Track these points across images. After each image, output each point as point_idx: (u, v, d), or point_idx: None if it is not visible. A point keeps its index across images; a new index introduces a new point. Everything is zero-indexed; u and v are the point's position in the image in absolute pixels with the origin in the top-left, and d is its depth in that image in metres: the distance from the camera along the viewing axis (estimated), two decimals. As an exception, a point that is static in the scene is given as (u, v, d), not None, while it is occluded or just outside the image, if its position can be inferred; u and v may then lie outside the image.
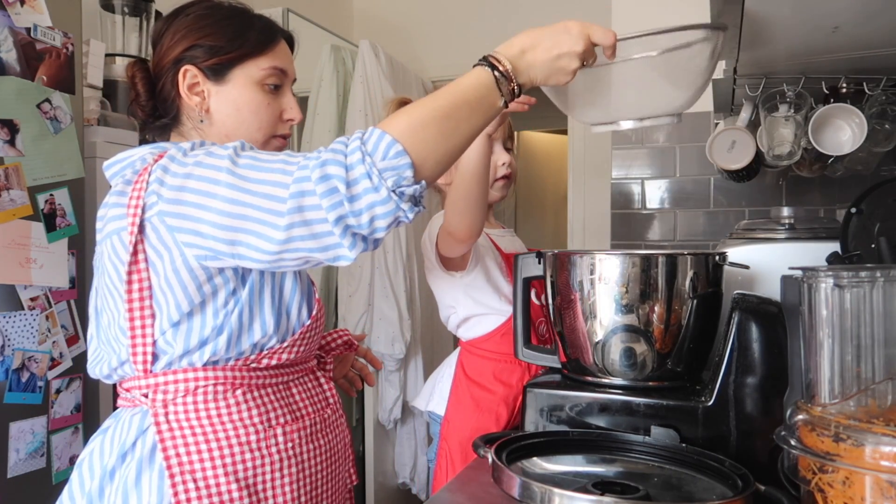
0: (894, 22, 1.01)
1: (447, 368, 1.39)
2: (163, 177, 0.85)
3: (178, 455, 0.87)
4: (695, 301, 0.95)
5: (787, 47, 1.18)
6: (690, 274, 0.96)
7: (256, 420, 0.92)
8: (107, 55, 1.94)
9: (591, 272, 0.98)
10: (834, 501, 0.62)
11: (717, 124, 1.85)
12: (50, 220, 1.40)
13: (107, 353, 0.94)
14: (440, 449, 1.32)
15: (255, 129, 0.99)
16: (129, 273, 0.87)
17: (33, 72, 1.38)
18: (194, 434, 0.89)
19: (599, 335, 0.97)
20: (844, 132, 1.36)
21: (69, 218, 1.44)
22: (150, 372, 0.90)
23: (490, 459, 0.83)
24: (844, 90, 1.35)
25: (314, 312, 0.99)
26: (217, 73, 0.98)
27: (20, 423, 1.34)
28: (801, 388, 0.76)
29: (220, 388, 0.91)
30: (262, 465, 0.90)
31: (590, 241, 3.15)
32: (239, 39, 0.99)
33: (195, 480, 0.87)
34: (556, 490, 0.72)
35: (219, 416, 0.90)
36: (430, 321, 2.80)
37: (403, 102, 1.34)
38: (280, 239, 0.79)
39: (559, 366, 1.07)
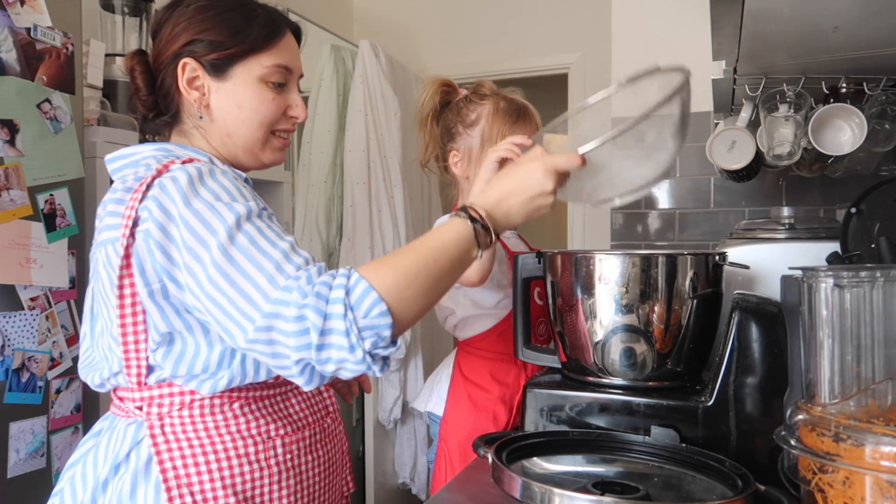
0: (894, 22, 1.01)
1: (445, 369, 1.39)
2: (159, 202, 0.81)
3: (174, 468, 0.85)
4: (695, 301, 0.95)
5: (787, 47, 1.18)
6: (690, 274, 0.96)
7: (255, 432, 0.89)
8: (107, 55, 1.94)
9: (591, 272, 0.98)
10: (834, 501, 0.62)
11: (717, 124, 1.85)
12: (50, 220, 1.40)
13: (100, 360, 0.91)
14: (439, 449, 1.32)
15: (255, 127, 0.96)
16: (121, 287, 0.84)
17: (33, 72, 1.38)
18: (191, 447, 0.86)
19: (599, 335, 0.97)
20: (844, 132, 1.36)
21: (69, 218, 1.44)
22: (145, 384, 0.87)
23: (490, 459, 0.83)
24: (844, 90, 1.35)
25: None
26: (218, 68, 0.93)
27: (20, 423, 1.34)
28: (801, 388, 0.76)
29: (216, 401, 0.88)
30: (261, 477, 0.88)
31: (590, 241, 3.14)
32: (241, 34, 0.94)
33: (192, 494, 0.85)
34: (556, 490, 0.72)
35: (216, 427, 0.88)
36: (430, 321, 2.80)
37: (445, 84, 1.35)
38: (241, 345, 0.77)
39: (559, 366, 1.07)
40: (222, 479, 0.86)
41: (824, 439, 0.63)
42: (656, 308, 0.95)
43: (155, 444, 0.85)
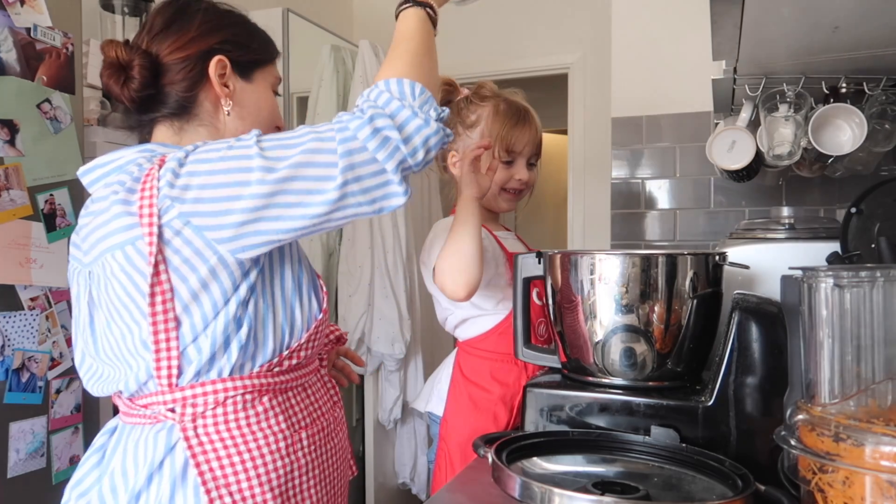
0: (894, 22, 1.01)
1: (445, 369, 1.38)
2: (176, 180, 0.83)
3: (211, 469, 0.86)
4: (695, 301, 0.95)
5: (787, 47, 1.18)
6: (690, 274, 0.96)
7: (284, 426, 0.92)
8: (107, 55, 1.94)
9: (591, 272, 0.98)
10: (834, 501, 0.62)
11: (717, 124, 1.84)
12: (50, 220, 1.40)
13: (115, 372, 0.90)
14: (439, 450, 1.32)
15: (265, 128, 1.00)
16: (153, 285, 0.83)
17: (33, 72, 1.38)
18: (226, 447, 0.87)
19: (599, 335, 0.97)
20: (844, 132, 1.36)
21: (69, 218, 1.44)
22: (176, 386, 0.87)
23: (490, 459, 0.83)
24: (844, 90, 1.35)
25: (324, 305, 0.99)
26: (245, 69, 0.99)
27: (20, 423, 1.34)
28: (801, 388, 0.76)
29: (248, 396, 0.89)
30: (292, 470, 0.91)
31: (590, 241, 3.14)
32: (263, 43, 1.04)
33: (231, 494, 0.86)
34: (556, 490, 0.72)
35: (248, 425, 0.89)
36: (430, 321, 2.80)
37: (447, 83, 1.37)
38: (333, 198, 0.82)
39: (559, 366, 1.07)
40: (258, 476, 0.88)
41: (824, 439, 0.63)
42: (656, 308, 0.95)
43: (190, 447, 0.86)
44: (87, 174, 0.93)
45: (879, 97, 1.33)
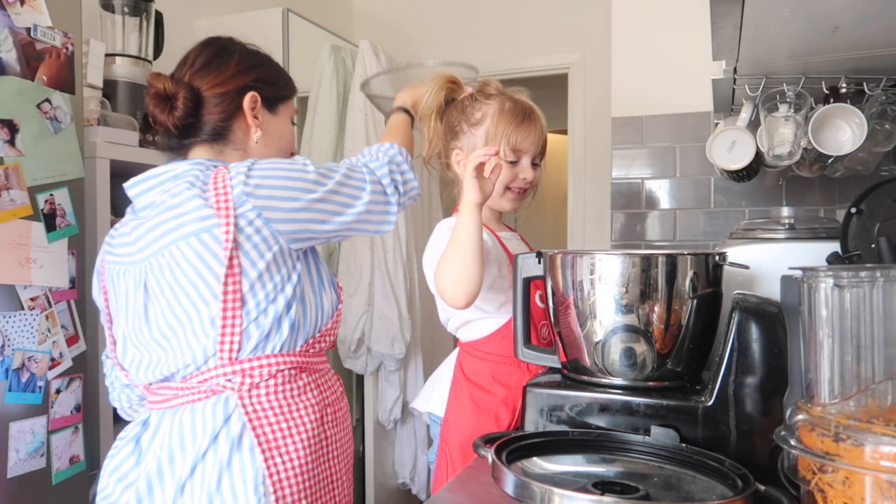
0: (894, 22, 1.01)
1: (446, 369, 1.38)
2: (249, 181, 1.02)
3: (265, 434, 1.01)
4: (695, 301, 0.95)
5: (787, 47, 1.18)
6: (690, 274, 0.96)
7: (316, 401, 1.09)
8: (107, 55, 1.94)
9: (591, 272, 0.98)
10: (834, 501, 0.62)
11: (717, 124, 1.85)
12: (50, 220, 1.40)
13: (172, 354, 1.03)
14: (440, 450, 1.31)
15: (283, 154, 1.22)
16: (230, 266, 0.99)
17: (33, 72, 1.38)
18: (275, 414, 1.03)
19: (599, 335, 0.97)
20: (844, 132, 1.36)
21: (69, 218, 1.44)
22: (236, 360, 1.02)
23: (490, 459, 0.83)
24: (844, 90, 1.35)
25: (342, 297, 1.18)
26: (271, 103, 1.20)
27: (20, 423, 1.34)
28: (801, 388, 0.76)
29: (292, 371, 1.07)
30: (323, 439, 1.08)
31: (590, 241, 3.15)
32: (287, 81, 1.25)
33: (280, 455, 1.01)
34: (556, 490, 0.72)
35: (292, 396, 1.06)
36: (430, 321, 2.80)
37: (451, 81, 1.38)
38: (360, 211, 1.11)
39: (559, 366, 1.07)
40: (301, 441, 1.04)
41: (824, 439, 0.63)
42: (656, 308, 0.95)
43: (247, 413, 1.01)
44: (139, 185, 1.09)
45: (879, 97, 1.33)
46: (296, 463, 1.02)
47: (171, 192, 1.04)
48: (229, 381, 1.02)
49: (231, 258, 0.99)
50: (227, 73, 1.14)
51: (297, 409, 1.05)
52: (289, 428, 1.03)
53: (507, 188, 1.35)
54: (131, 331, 1.07)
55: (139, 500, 0.99)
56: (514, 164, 1.33)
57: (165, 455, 1.00)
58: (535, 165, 1.37)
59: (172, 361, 1.03)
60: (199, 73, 1.13)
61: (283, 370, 1.05)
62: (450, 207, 1.42)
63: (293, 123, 1.27)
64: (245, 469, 0.98)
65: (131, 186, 1.10)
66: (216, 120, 1.13)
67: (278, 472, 0.99)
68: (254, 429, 1.00)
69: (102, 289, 1.14)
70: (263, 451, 0.99)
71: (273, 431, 1.01)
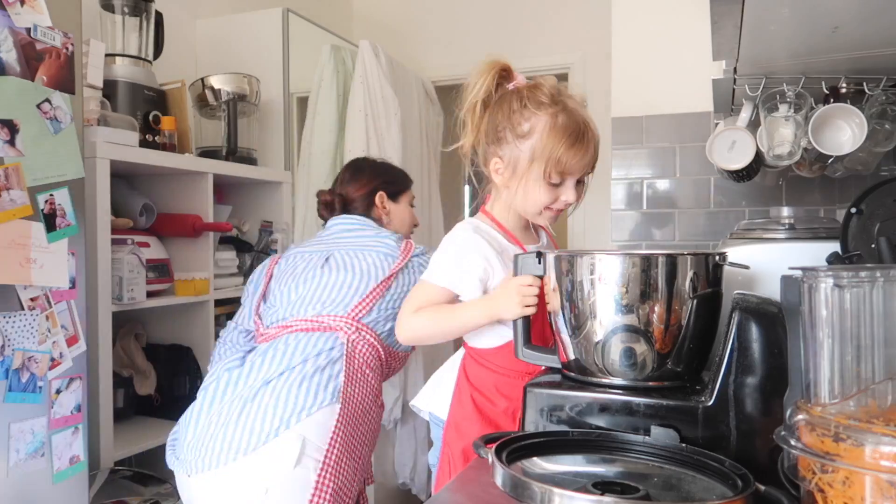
0: (894, 22, 1.01)
1: (449, 371, 1.37)
2: (420, 258, 1.69)
3: (352, 366, 1.50)
4: (695, 301, 0.95)
5: (787, 47, 1.18)
6: (690, 274, 0.96)
7: (377, 381, 1.59)
8: (107, 55, 1.94)
9: (591, 272, 0.98)
10: (834, 501, 0.62)
11: (717, 124, 1.85)
12: (50, 221, 1.40)
13: (318, 302, 1.59)
14: (442, 454, 1.30)
15: (406, 230, 1.87)
16: (389, 277, 1.64)
17: (33, 72, 1.38)
18: (362, 360, 1.54)
19: (599, 335, 0.97)
20: (844, 132, 1.36)
21: (69, 218, 1.44)
22: (357, 320, 1.56)
23: (490, 459, 0.83)
24: (844, 90, 1.35)
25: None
26: (394, 196, 1.84)
27: (20, 423, 1.34)
28: (801, 388, 0.76)
29: (375, 343, 1.58)
30: (374, 409, 1.55)
31: (590, 241, 3.15)
32: (403, 179, 1.90)
33: (357, 385, 1.49)
34: (556, 490, 0.72)
35: (371, 359, 1.56)
36: (430, 321, 2.79)
37: (503, 68, 1.31)
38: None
39: (559, 366, 1.07)
40: (369, 383, 1.54)
41: (824, 439, 0.63)
42: (656, 308, 0.95)
43: (347, 348, 1.52)
44: (344, 222, 1.78)
45: (879, 97, 1.33)
46: (364, 392, 1.50)
47: (370, 233, 1.76)
48: (344, 326, 1.54)
49: (394, 275, 1.64)
50: (363, 181, 1.81)
51: (371, 369, 1.55)
52: (364, 374, 1.52)
53: (547, 208, 1.25)
54: (303, 287, 1.62)
55: (229, 381, 1.45)
56: (557, 185, 1.22)
57: (269, 358, 1.47)
58: (579, 183, 1.26)
59: (322, 310, 1.58)
60: (345, 184, 1.83)
61: (369, 340, 1.55)
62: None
63: (412, 206, 1.90)
64: (329, 381, 1.44)
65: (336, 222, 1.82)
66: (359, 212, 1.79)
67: (351, 395, 1.46)
68: (347, 358, 1.49)
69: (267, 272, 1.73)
70: (348, 375, 1.47)
71: (357, 371, 1.50)
